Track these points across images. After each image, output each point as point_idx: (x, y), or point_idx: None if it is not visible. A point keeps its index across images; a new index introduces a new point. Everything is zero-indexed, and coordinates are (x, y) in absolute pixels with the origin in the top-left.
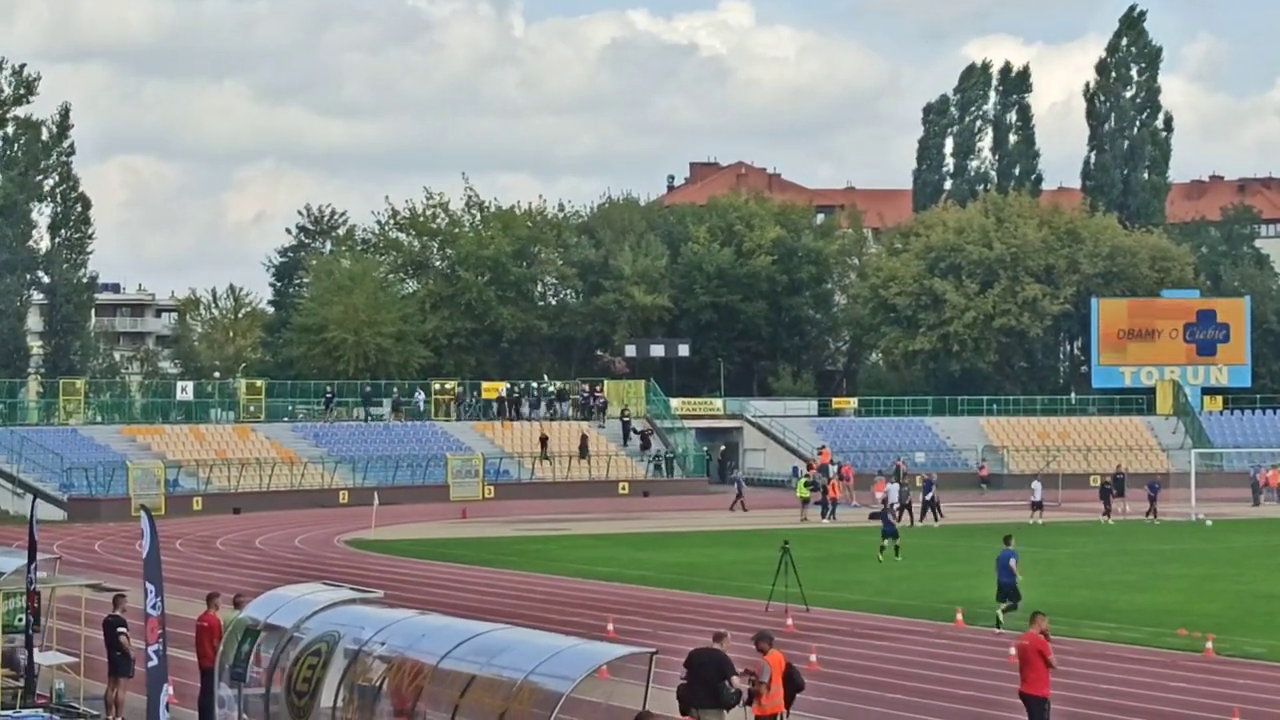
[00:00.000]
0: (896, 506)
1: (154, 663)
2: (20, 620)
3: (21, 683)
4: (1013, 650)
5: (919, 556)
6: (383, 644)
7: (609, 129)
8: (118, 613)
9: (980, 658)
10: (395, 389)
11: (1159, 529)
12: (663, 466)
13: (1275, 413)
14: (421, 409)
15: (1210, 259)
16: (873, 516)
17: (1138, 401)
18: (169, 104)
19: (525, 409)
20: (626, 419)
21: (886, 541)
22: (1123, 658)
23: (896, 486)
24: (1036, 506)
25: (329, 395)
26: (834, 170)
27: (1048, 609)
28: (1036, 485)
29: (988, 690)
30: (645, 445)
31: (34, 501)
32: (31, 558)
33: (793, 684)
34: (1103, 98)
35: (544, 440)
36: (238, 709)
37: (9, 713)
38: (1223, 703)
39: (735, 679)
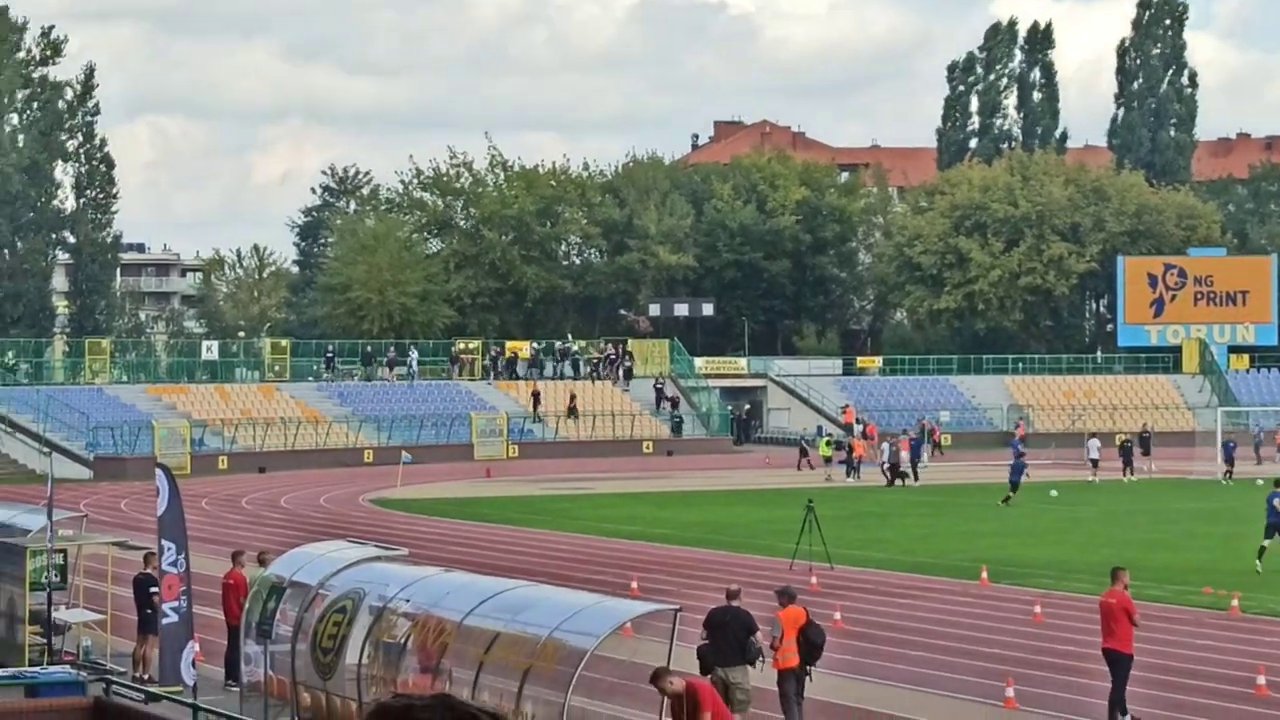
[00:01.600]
0: (886, 465)
1: (172, 619)
2: (47, 578)
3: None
4: (1038, 610)
5: (944, 514)
6: (407, 601)
7: (636, 87)
8: (148, 570)
9: (1005, 615)
10: (392, 348)
11: (1188, 487)
12: (679, 427)
13: None
14: (415, 369)
15: (1237, 216)
16: (899, 475)
17: (1164, 360)
18: (197, 63)
19: (521, 369)
20: (660, 386)
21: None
22: (1148, 616)
23: (887, 445)
24: (1094, 465)
25: (329, 355)
26: (860, 128)
27: (1074, 567)
28: (1094, 443)
29: (1013, 648)
30: (675, 406)
31: (52, 459)
32: (50, 515)
33: (808, 640)
34: (1134, 54)
35: (536, 396)
36: (264, 665)
37: (37, 669)
38: (1248, 660)
39: (759, 634)
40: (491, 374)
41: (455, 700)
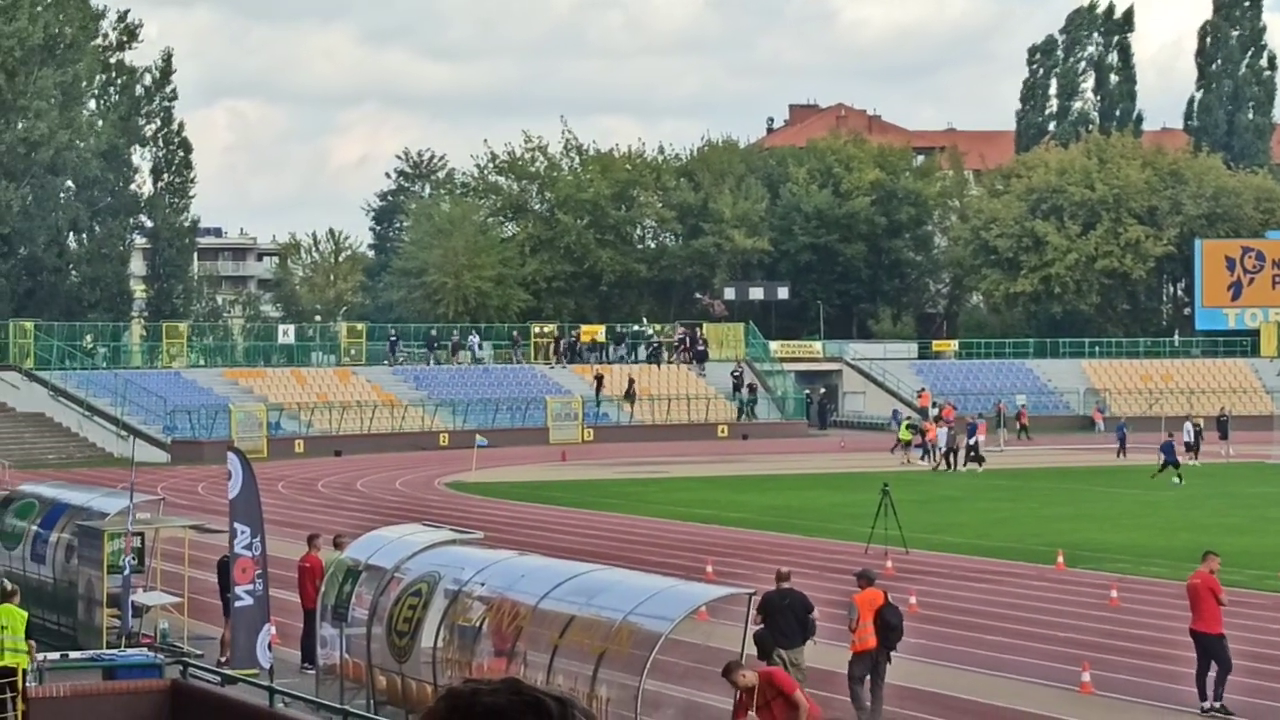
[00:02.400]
0: (943, 450)
1: (246, 602)
2: (124, 561)
3: (128, 623)
4: (1114, 594)
5: (1021, 498)
6: (482, 584)
7: (712, 70)
8: None
9: (1081, 600)
10: (456, 332)
11: (1267, 471)
12: (751, 409)
13: None
14: (477, 353)
15: None
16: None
17: (1242, 343)
18: (275, 47)
19: (584, 353)
20: (738, 374)
21: (1169, 469)
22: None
23: (945, 430)
24: (1190, 448)
25: (393, 339)
26: (936, 111)
27: (1151, 552)
28: (1189, 426)
29: (1089, 632)
30: (753, 392)
31: (134, 443)
32: (131, 499)
33: (884, 622)
34: (1213, 37)
35: (599, 379)
36: (340, 648)
37: (115, 651)
38: None
39: (816, 612)
40: (563, 358)
41: (523, 685)
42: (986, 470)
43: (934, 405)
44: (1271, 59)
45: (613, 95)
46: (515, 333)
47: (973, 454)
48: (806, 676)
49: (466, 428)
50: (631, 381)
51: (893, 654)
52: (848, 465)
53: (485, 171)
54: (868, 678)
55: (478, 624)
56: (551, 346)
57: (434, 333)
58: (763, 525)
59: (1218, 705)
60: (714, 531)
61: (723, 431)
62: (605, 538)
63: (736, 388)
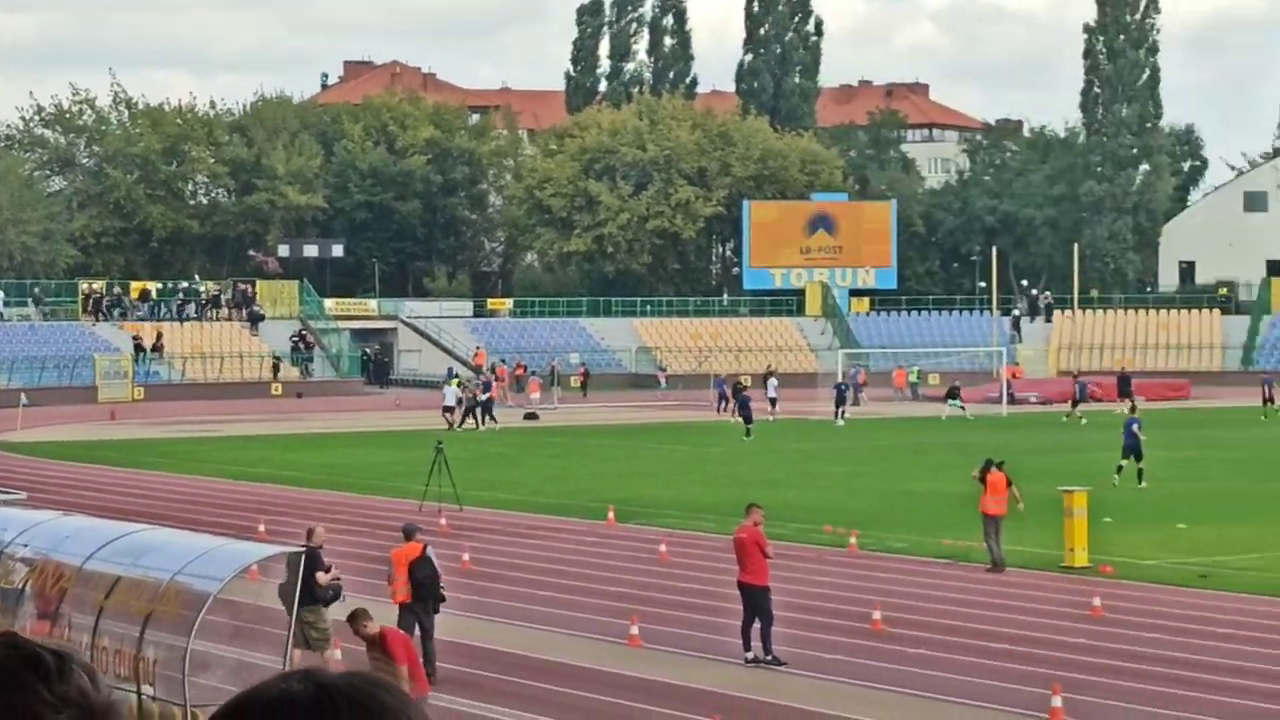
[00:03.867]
0: (461, 410)
1: None
2: None
3: None
4: (663, 549)
5: (574, 455)
6: (25, 546)
7: (270, 25)
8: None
9: (630, 554)
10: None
11: (810, 428)
12: (302, 367)
13: (919, 314)
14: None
15: (858, 162)
16: (527, 416)
17: (788, 303)
18: None
19: (117, 312)
20: (298, 338)
21: (1125, 461)
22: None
23: (453, 389)
24: (773, 403)
25: None
26: (494, 70)
27: (699, 506)
28: (773, 382)
29: (638, 586)
30: (309, 348)
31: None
32: None
33: (412, 577)
34: (761, 2)
35: (137, 339)
36: None
37: None
38: (866, 595)
39: (324, 575)
40: (105, 315)
41: (21, 638)
42: (540, 427)
43: (503, 363)
44: (819, 24)
45: (167, 48)
46: (36, 289)
47: (488, 412)
48: (327, 637)
49: (11, 386)
50: (159, 335)
51: (440, 607)
52: (403, 423)
53: (31, 124)
54: (416, 632)
55: (20, 586)
56: (93, 303)
57: None
58: (317, 484)
59: (768, 658)
60: (267, 490)
61: (277, 389)
62: (156, 498)
63: (295, 348)
